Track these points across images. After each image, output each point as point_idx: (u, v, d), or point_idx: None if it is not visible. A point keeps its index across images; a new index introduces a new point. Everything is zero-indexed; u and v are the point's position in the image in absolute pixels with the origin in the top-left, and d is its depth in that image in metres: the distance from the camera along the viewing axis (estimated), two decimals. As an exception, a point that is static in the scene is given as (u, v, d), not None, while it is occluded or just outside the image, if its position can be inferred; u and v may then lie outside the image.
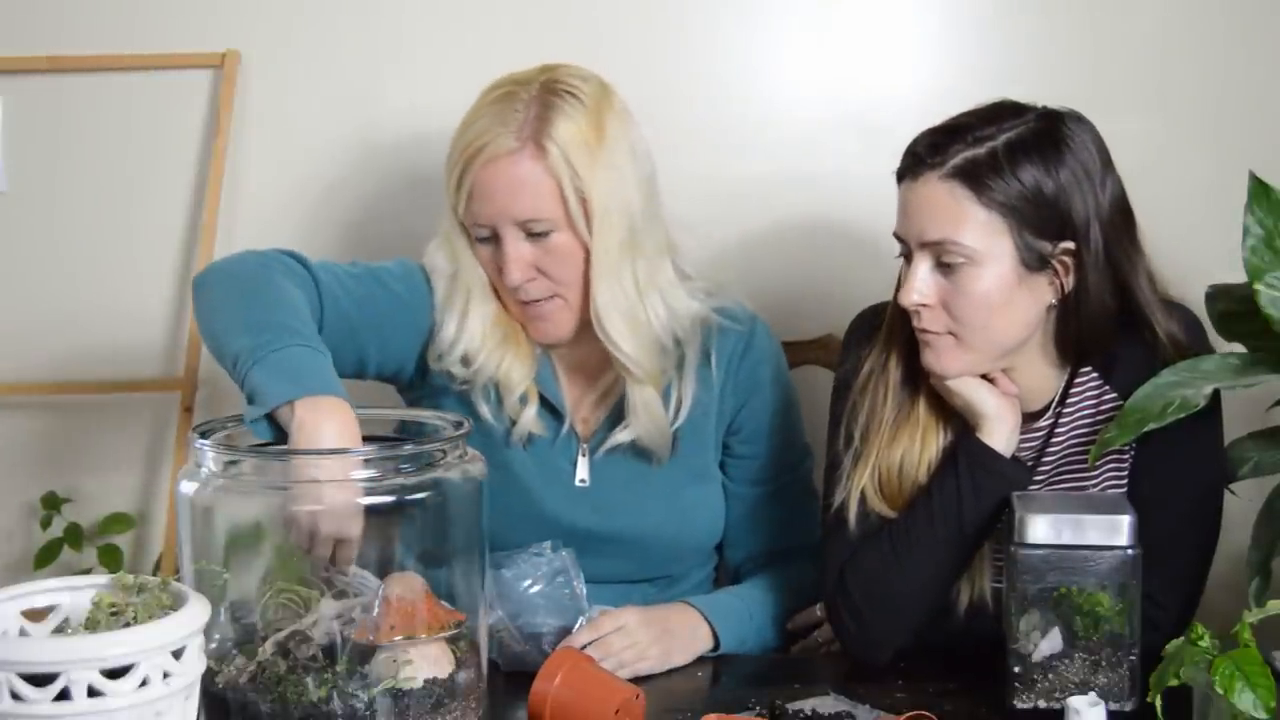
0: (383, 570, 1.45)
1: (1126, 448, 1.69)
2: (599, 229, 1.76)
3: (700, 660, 1.75)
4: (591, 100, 1.77)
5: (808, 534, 1.89)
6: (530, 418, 1.83)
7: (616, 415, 1.85)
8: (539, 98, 1.76)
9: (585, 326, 1.81)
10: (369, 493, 1.42)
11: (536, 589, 1.73)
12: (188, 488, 1.44)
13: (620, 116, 1.80)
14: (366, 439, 1.53)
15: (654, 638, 1.71)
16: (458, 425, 1.52)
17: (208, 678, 1.35)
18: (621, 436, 1.83)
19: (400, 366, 1.85)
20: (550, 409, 1.86)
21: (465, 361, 1.81)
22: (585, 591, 1.74)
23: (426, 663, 1.41)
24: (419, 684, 1.40)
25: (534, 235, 1.76)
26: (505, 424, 1.84)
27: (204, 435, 1.46)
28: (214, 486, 1.44)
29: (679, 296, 1.83)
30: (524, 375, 1.83)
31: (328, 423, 1.49)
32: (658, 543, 1.88)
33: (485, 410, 1.83)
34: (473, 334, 1.81)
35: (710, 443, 1.89)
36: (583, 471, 1.86)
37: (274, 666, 1.39)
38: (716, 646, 1.78)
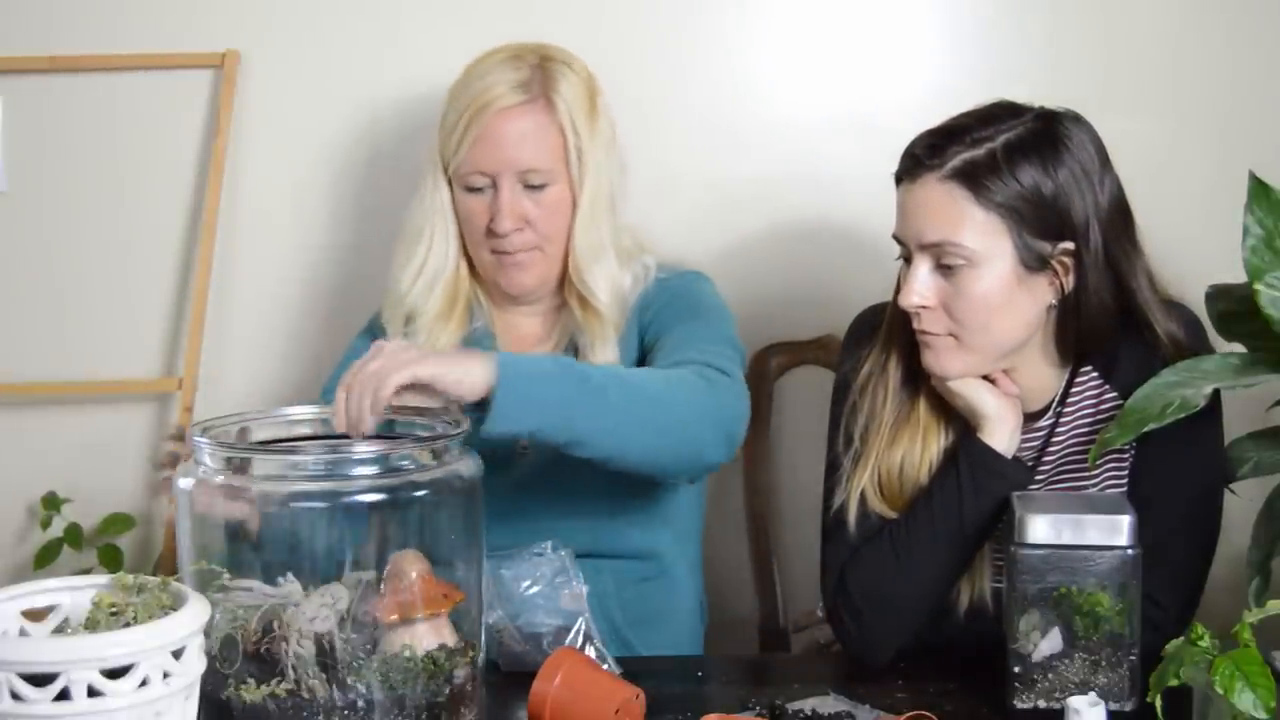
0: (381, 569, 1.45)
1: (1126, 447, 1.69)
2: (589, 185, 1.86)
3: (699, 660, 1.76)
4: (584, 74, 1.91)
5: (712, 360, 1.76)
6: None
7: None
8: (540, 65, 1.87)
9: (547, 287, 1.91)
10: (366, 490, 1.42)
11: (536, 589, 1.72)
12: (186, 484, 1.45)
13: (603, 98, 1.92)
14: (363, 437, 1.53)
15: (406, 349, 1.57)
16: (455, 424, 1.52)
17: (207, 677, 1.35)
18: None
19: None
20: None
21: (408, 320, 1.90)
22: (585, 591, 1.74)
23: (433, 636, 1.43)
24: (422, 655, 1.41)
25: (530, 188, 1.85)
26: None
27: (204, 433, 1.47)
28: (213, 483, 1.43)
29: (640, 260, 1.92)
30: (446, 345, 1.90)
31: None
32: (598, 502, 1.86)
33: None
34: (418, 292, 1.90)
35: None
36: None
37: (272, 662, 1.39)
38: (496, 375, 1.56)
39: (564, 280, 1.91)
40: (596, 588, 1.76)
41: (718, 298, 1.94)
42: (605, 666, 1.65)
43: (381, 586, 1.42)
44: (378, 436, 1.55)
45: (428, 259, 1.91)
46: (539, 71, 1.86)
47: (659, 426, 1.64)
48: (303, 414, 1.60)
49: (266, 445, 1.53)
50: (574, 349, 1.90)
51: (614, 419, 1.61)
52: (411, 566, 1.44)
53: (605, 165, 1.88)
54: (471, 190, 1.87)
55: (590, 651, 1.67)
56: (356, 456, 1.43)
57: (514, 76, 1.85)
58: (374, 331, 1.98)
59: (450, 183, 1.90)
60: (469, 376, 1.54)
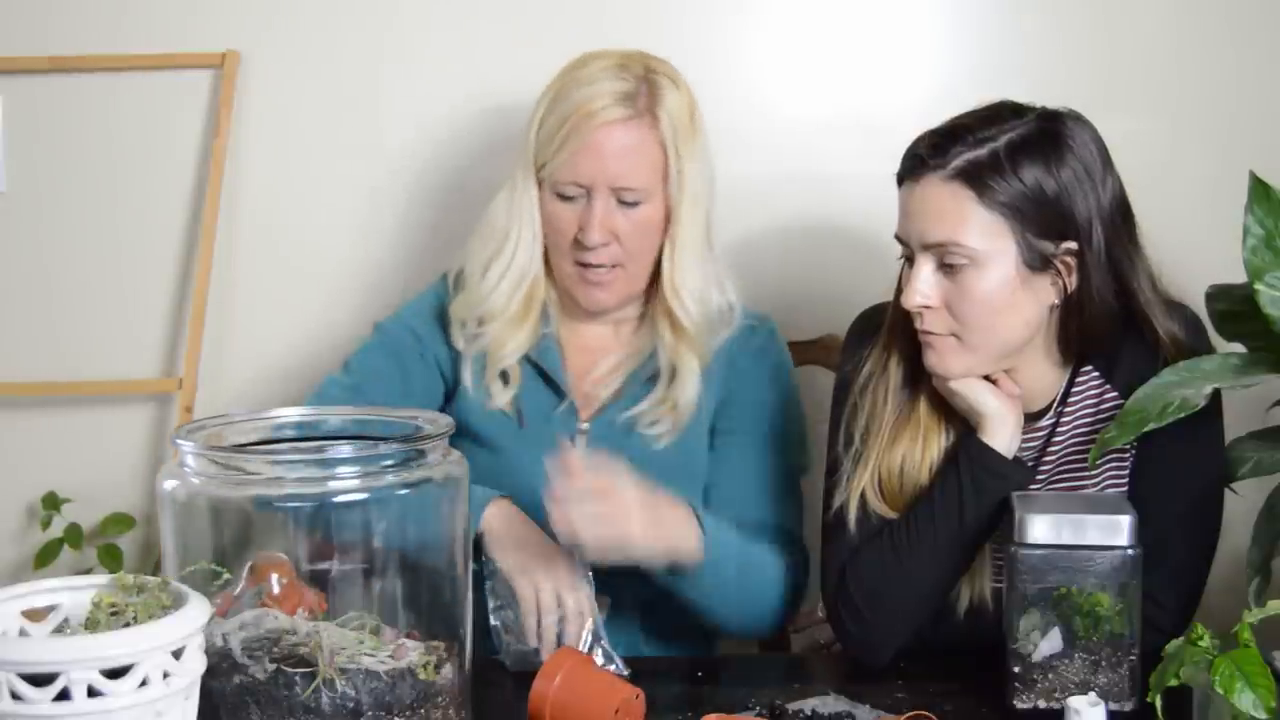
0: (367, 573, 1.45)
1: (1127, 447, 1.69)
2: (688, 207, 1.84)
3: (699, 660, 1.75)
4: (687, 91, 1.87)
5: (787, 523, 1.86)
6: (506, 397, 1.87)
7: (625, 394, 1.88)
8: (646, 77, 1.83)
9: (623, 304, 1.89)
10: (348, 490, 1.41)
11: None
12: (170, 485, 1.44)
13: (700, 112, 1.88)
14: (347, 438, 1.53)
15: (642, 506, 1.64)
16: (440, 425, 1.51)
17: (207, 677, 1.35)
18: (660, 410, 1.86)
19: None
20: (551, 385, 1.89)
21: (481, 320, 1.87)
22: (594, 593, 1.74)
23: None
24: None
25: (623, 203, 1.82)
26: (485, 399, 1.89)
27: (188, 435, 1.46)
28: (192, 486, 1.43)
29: (726, 288, 1.91)
30: (515, 350, 1.88)
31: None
32: None
33: (468, 379, 1.89)
34: (501, 293, 1.87)
35: (703, 431, 1.89)
36: (581, 447, 1.88)
37: (255, 667, 1.39)
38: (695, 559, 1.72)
39: (648, 297, 1.90)
40: (610, 595, 1.76)
41: (794, 392, 1.93)
42: (613, 667, 1.66)
43: (240, 589, 1.41)
44: (361, 437, 1.55)
45: (514, 260, 1.87)
46: (645, 84, 1.82)
47: (744, 607, 1.79)
48: (288, 415, 1.60)
49: (251, 447, 1.52)
50: (651, 370, 1.89)
51: (720, 593, 1.75)
52: (274, 571, 1.43)
53: (703, 188, 1.86)
54: (563, 198, 1.84)
55: (599, 653, 1.67)
56: (340, 456, 1.43)
57: (619, 88, 1.81)
58: (413, 326, 1.93)
59: (540, 184, 1.86)
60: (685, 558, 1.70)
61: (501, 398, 1.88)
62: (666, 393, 1.86)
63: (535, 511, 1.76)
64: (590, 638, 1.69)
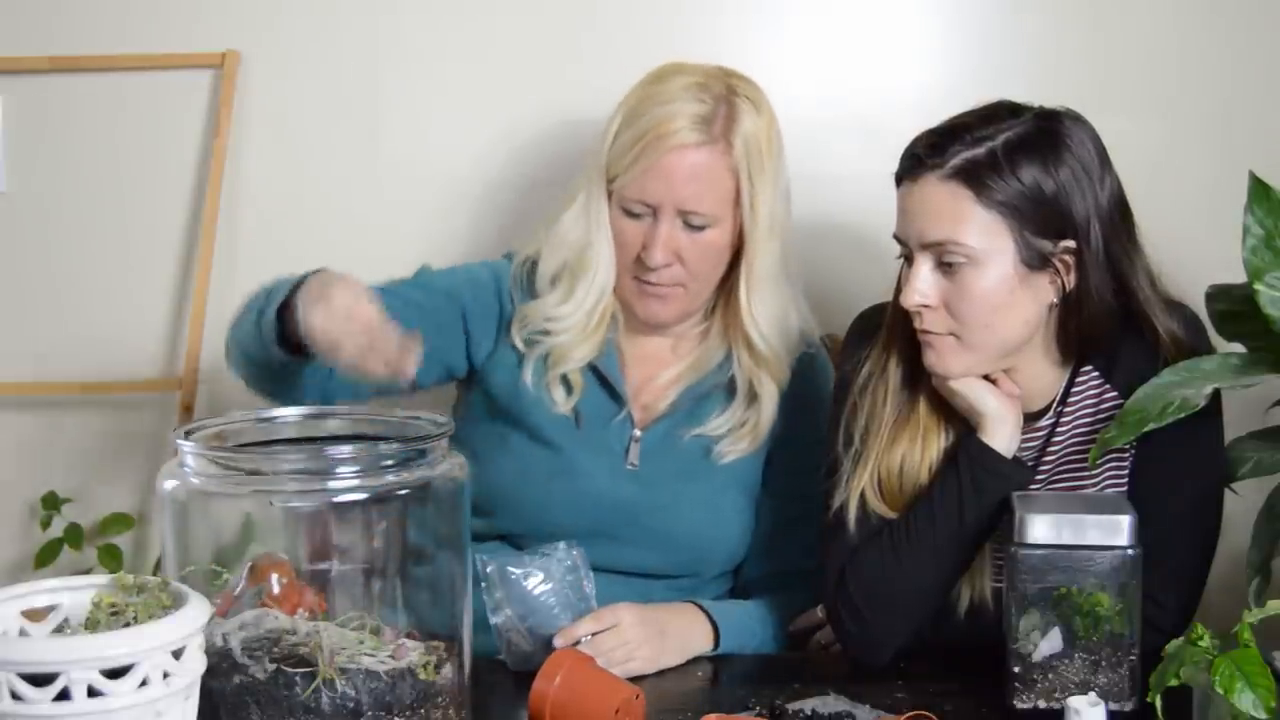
0: (367, 573, 1.45)
1: (1127, 447, 1.69)
2: (763, 233, 1.83)
3: (700, 660, 1.75)
4: (768, 113, 1.85)
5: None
6: (569, 404, 1.87)
7: (681, 407, 1.88)
8: (726, 97, 1.81)
9: (682, 319, 1.89)
10: (348, 490, 1.41)
11: (546, 589, 1.72)
12: (170, 485, 1.44)
13: (780, 134, 1.87)
14: (347, 438, 1.53)
15: (645, 638, 1.69)
16: (440, 425, 1.51)
17: (207, 677, 1.35)
18: (741, 430, 1.87)
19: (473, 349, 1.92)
20: (610, 391, 1.89)
21: (546, 332, 1.86)
22: (595, 591, 1.74)
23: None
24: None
25: (690, 226, 1.81)
26: (546, 400, 1.88)
27: (187, 436, 1.46)
28: (192, 486, 1.43)
29: (803, 312, 1.92)
30: (582, 358, 1.87)
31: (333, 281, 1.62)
32: (691, 538, 1.88)
33: (528, 377, 1.87)
34: (582, 312, 1.86)
35: (762, 453, 1.91)
36: (634, 456, 1.88)
37: (255, 667, 1.39)
38: (715, 647, 1.77)
39: (710, 315, 1.91)
40: (615, 597, 1.76)
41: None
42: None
43: (239, 589, 1.41)
44: (361, 437, 1.55)
45: (595, 278, 1.86)
46: (724, 106, 1.80)
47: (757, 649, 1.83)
48: (288, 415, 1.60)
49: (251, 447, 1.52)
50: (708, 385, 1.89)
51: (765, 646, 1.83)
52: (274, 571, 1.43)
53: (779, 214, 1.85)
54: (630, 215, 1.83)
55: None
56: (340, 456, 1.43)
57: (697, 110, 1.79)
58: (460, 292, 1.90)
59: (609, 196, 1.85)
60: (672, 662, 1.72)
61: (564, 404, 1.87)
62: (745, 414, 1.88)
63: (588, 506, 1.82)
64: (592, 638, 1.68)
